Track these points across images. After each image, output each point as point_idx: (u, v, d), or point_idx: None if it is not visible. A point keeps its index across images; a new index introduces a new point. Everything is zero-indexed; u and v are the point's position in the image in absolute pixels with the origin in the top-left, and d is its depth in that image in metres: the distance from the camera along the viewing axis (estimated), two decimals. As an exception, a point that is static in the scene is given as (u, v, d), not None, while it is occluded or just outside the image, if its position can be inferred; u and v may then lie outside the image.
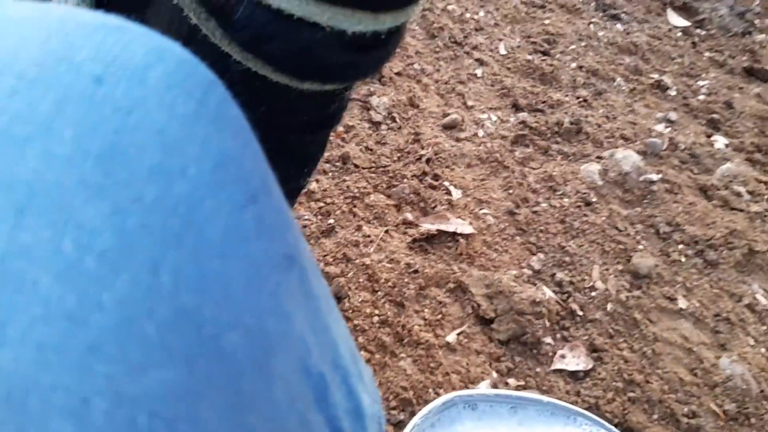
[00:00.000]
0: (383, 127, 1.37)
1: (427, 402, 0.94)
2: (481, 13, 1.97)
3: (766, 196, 1.58)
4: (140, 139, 0.15)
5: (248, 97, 0.36)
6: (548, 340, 1.11)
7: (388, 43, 0.36)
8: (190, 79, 0.17)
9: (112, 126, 0.15)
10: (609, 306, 1.19)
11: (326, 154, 1.26)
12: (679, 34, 2.20)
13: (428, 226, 1.22)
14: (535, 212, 1.33)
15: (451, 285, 1.15)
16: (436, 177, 1.32)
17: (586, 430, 0.54)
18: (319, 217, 1.15)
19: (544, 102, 1.65)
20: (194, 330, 0.16)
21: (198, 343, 0.16)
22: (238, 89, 0.34)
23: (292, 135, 0.40)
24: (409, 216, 1.23)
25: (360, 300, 1.07)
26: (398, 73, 1.54)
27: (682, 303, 1.24)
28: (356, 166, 1.26)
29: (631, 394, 1.05)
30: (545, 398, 0.55)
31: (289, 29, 0.31)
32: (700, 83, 1.96)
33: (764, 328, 1.25)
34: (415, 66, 1.62)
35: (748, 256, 1.39)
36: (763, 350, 1.21)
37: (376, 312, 1.07)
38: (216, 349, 0.16)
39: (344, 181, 1.23)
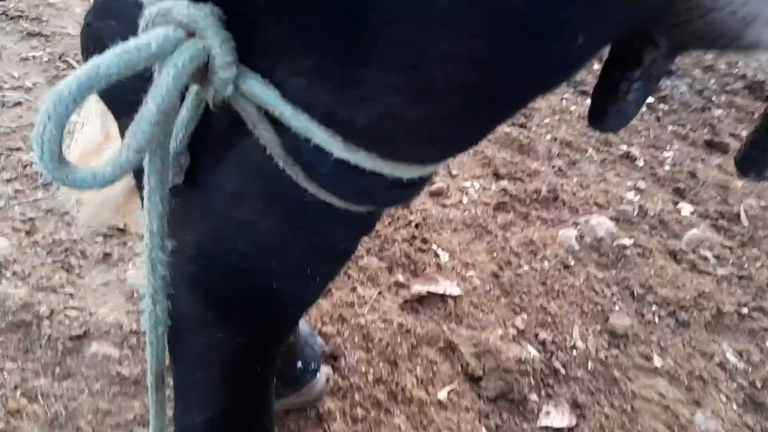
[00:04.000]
0: (375, 194, 1.46)
1: (420, 458, 0.98)
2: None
3: (731, 260, 1.69)
4: None
5: (321, 218, 0.44)
6: (533, 397, 1.17)
7: (426, 180, 0.46)
8: None
9: None
10: (590, 364, 1.26)
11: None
12: (645, 108, 2.38)
13: (419, 287, 1.29)
14: (517, 274, 1.42)
15: (441, 344, 1.21)
16: (424, 241, 1.40)
17: None
18: (317, 278, 1.22)
19: (522, 171, 1.78)
20: None
21: None
22: (311, 211, 0.42)
23: (344, 243, 0.49)
24: (401, 278, 1.30)
25: (356, 359, 1.12)
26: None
27: (657, 362, 1.31)
28: (351, 230, 1.34)
29: (614, 450, 1.10)
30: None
31: (359, 176, 0.40)
32: (666, 154, 2.12)
33: (735, 385, 1.33)
34: (404, 137, 1.74)
35: (717, 317, 1.48)
36: (734, 406, 1.28)
37: (371, 370, 1.12)
38: None
39: (339, 244, 1.30)
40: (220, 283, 0.47)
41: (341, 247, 0.49)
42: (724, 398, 1.29)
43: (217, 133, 0.41)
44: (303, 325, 1.00)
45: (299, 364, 0.93)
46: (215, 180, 0.43)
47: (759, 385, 1.34)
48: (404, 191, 0.43)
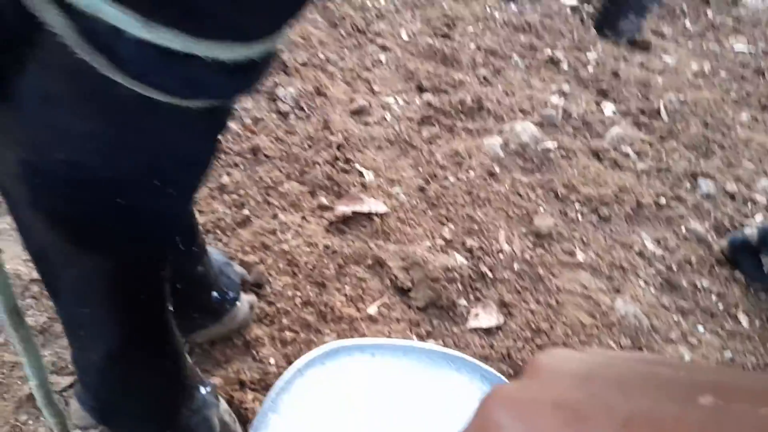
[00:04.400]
0: (292, 116, 1.41)
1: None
2: (382, 1, 2.03)
3: (650, 155, 1.74)
4: None
5: (147, 116, 0.39)
6: (462, 302, 1.19)
7: (263, 65, 0.41)
8: None
9: None
10: (515, 265, 1.29)
11: (236, 147, 1.28)
12: (569, 11, 2.35)
13: (343, 208, 1.27)
14: (443, 187, 1.41)
15: (369, 261, 1.21)
16: (347, 161, 1.37)
17: (465, 375, 0.61)
18: (234, 209, 1.18)
19: (447, 82, 1.74)
20: None
21: None
22: (132, 108, 0.38)
23: (190, 146, 0.44)
24: (324, 200, 1.27)
25: (281, 285, 1.11)
26: (303, 64, 1.57)
27: (580, 256, 1.36)
28: (267, 156, 1.29)
29: (539, 341, 1.15)
30: (428, 345, 0.62)
31: (171, 61, 0.35)
32: (589, 56, 2.12)
33: (652, 270, 1.40)
34: (320, 55, 1.66)
35: (637, 209, 1.54)
36: (652, 290, 1.36)
37: (298, 294, 1.11)
38: None
39: (256, 172, 1.26)
40: (60, 203, 0.43)
41: (189, 151, 0.45)
42: (642, 284, 1.36)
43: (10, 31, 0.35)
44: (216, 254, 0.97)
45: (214, 293, 0.90)
46: (23, 85, 0.37)
47: (675, 268, 1.42)
48: (235, 79, 0.39)
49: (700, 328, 1.30)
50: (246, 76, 0.39)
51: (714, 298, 1.38)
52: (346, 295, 1.14)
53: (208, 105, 0.39)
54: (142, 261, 0.53)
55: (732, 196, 1.67)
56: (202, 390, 0.81)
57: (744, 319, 1.35)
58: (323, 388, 0.58)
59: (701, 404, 0.17)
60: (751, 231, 1.42)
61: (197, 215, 1.13)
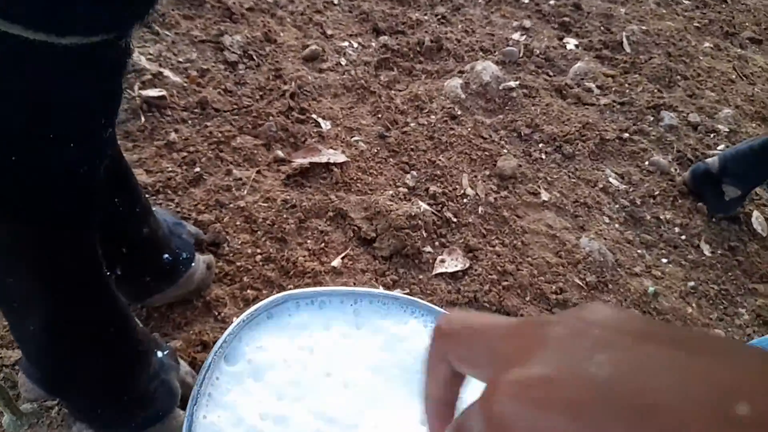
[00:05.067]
0: (240, 66, 1.33)
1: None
2: (333, -61, 1.92)
3: (613, 88, 1.72)
4: None
5: (23, 61, 0.34)
6: (427, 249, 1.18)
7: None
8: None
9: None
10: (480, 209, 1.27)
11: (182, 102, 1.21)
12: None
13: (301, 160, 1.23)
14: (404, 132, 1.37)
15: (331, 213, 1.17)
16: (302, 111, 1.31)
17: (419, 319, 0.59)
18: (184, 167, 1.12)
19: (403, 23, 1.67)
20: None
21: None
22: (5, 53, 0.32)
23: (78, 90, 0.39)
24: (280, 153, 1.22)
25: (240, 242, 1.08)
26: (250, 9, 1.48)
27: (544, 196, 1.35)
28: (216, 110, 1.23)
29: (505, 283, 1.15)
30: (379, 291, 0.60)
31: None
32: (551, -11, 2.05)
33: (616, 206, 1.40)
34: None
35: (600, 144, 1.52)
36: (617, 225, 1.36)
37: (258, 251, 1.08)
38: None
39: (206, 127, 1.19)
40: None
41: (78, 97, 0.40)
42: (607, 219, 1.36)
43: None
44: (165, 215, 0.93)
45: (166, 255, 0.87)
46: None
47: (638, 202, 1.42)
48: (97, 7, 0.33)
49: (664, 260, 1.32)
50: (107, 6, 0.34)
51: (677, 229, 1.39)
52: (308, 250, 1.12)
53: (86, 42, 0.34)
54: (61, 224, 0.49)
55: (695, 127, 1.67)
56: (159, 354, 0.79)
57: (706, 249, 1.37)
58: (270, 339, 0.56)
59: (738, 416, 0.15)
60: (712, 160, 1.42)
61: (144, 175, 1.08)
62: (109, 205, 0.75)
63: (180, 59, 1.29)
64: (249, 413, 0.51)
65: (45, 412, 0.84)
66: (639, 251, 1.31)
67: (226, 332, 0.54)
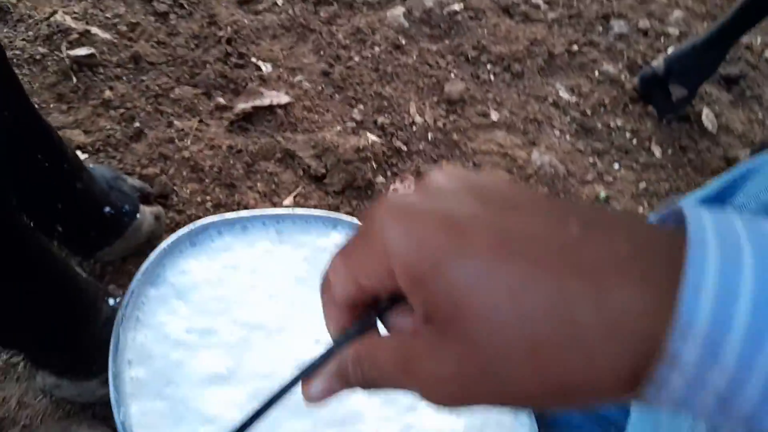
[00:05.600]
0: (172, 16, 1.30)
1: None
2: None
3: (561, 3, 1.69)
4: None
5: None
6: (379, 179, 1.19)
7: None
8: None
9: None
10: (429, 135, 1.27)
11: (114, 58, 1.19)
12: None
13: (243, 105, 1.22)
14: (348, 67, 1.36)
15: (279, 155, 1.17)
16: (241, 56, 1.29)
17: (341, 233, 0.61)
18: (123, 123, 1.11)
19: (341, -44, 1.62)
20: None
21: None
22: None
23: None
24: (221, 100, 1.21)
25: (189, 192, 1.08)
26: (177, -43, 1.43)
27: (494, 116, 1.35)
28: (151, 63, 1.20)
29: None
30: (302, 210, 0.61)
31: None
32: None
33: (567, 118, 1.40)
34: (197, -54, 1.51)
35: (549, 60, 1.51)
36: (567, 137, 1.37)
37: (208, 198, 1.08)
38: None
39: (142, 81, 1.17)
40: None
41: None
42: (558, 132, 1.37)
43: None
44: (102, 170, 0.93)
45: (107, 209, 0.87)
46: None
47: (589, 112, 1.43)
48: None
49: (616, 166, 1.33)
50: None
51: (628, 135, 1.40)
52: (259, 192, 1.12)
53: None
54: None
55: (645, 33, 1.66)
56: (111, 302, 0.80)
57: (657, 150, 1.38)
58: (193, 263, 0.57)
59: (569, 230, 0.19)
60: (658, 63, 1.42)
61: (82, 136, 1.07)
62: (33, 163, 0.75)
63: (108, 15, 1.25)
64: (175, 329, 0.53)
65: (12, 368, 0.86)
66: (590, 160, 1.33)
67: (147, 260, 0.56)
